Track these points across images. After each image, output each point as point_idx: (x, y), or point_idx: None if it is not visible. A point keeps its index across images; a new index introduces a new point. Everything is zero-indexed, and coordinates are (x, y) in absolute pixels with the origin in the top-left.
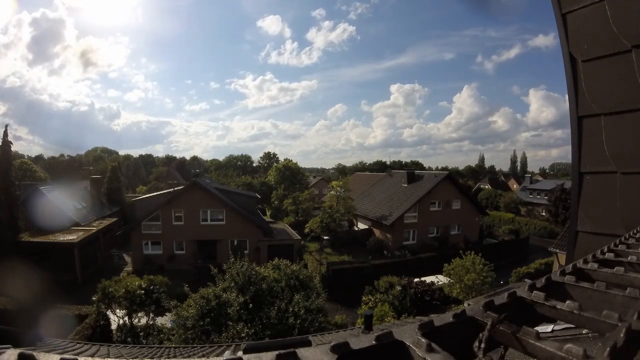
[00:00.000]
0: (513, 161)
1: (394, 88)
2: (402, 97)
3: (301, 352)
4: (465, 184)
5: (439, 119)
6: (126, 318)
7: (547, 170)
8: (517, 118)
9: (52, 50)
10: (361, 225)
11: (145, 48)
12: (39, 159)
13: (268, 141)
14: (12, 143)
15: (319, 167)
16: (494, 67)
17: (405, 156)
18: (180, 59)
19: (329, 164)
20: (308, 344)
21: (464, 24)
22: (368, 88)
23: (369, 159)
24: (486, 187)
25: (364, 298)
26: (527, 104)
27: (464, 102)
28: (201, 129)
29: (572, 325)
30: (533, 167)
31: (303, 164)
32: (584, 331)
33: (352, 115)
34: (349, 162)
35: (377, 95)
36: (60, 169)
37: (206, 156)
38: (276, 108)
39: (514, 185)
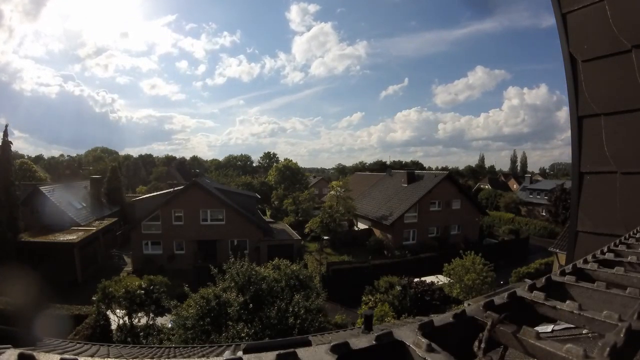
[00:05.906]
0: (513, 161)
1: (477, 69)
2: (473, 81)
3: (301, 352)
4: (465, 184)
5: (485, 110)
6: (126, 318)
7: (547, 170)
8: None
9: None
10: (361, 225)
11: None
12: (38, 159)
13: (281, 139)
14: (12, 143)
15: (319, 167)
16: None
17: (421, 156)
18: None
19: (340, 162)
20: (308, 344)
21: None
22: (427, 67)
23: (387, 158)
24: (486, 187)
25: (364, 298)
26: None
27: (537, 92)
28: (212, 126)
29: (572, 325)
30: (533, 167)
31: (312, 163)
32: (584, 331)
33: (407, 102)
34: (352, 161)
35: (442, 76)
36: (60, 169)
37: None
38: (308, 91)
39: (514, 185)
